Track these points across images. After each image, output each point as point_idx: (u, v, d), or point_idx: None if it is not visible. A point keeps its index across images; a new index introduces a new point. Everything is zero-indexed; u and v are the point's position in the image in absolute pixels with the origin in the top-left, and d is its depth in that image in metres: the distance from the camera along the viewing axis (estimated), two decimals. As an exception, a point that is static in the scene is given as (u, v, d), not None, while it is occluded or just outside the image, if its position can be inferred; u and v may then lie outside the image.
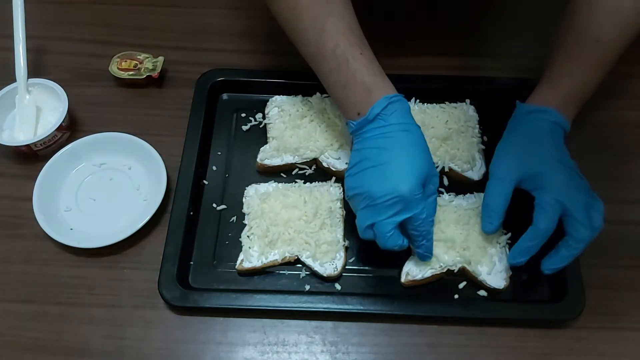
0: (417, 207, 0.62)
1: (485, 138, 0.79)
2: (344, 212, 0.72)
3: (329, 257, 0.69)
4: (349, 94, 0.64)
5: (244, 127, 0.81)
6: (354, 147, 0.66)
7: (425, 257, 0.67)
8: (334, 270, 0.68)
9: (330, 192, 0.73)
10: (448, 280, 0.70)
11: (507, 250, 0.70)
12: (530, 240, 0.65)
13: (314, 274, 0.70)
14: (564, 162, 0.67)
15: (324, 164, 0.76)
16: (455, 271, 0.69)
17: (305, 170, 0.77)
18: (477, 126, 0.80)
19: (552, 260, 0.66)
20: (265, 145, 0.78)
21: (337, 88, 0.65)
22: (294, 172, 0.77)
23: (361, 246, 0.72)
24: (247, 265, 0.69)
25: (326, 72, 0.66)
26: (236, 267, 0.69)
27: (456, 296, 0.68)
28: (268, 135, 0.79)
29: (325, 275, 0.68)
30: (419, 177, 0.62)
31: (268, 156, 0.77)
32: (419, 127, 0.64)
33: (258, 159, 0.77)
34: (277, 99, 0.81)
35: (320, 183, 0.75)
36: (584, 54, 0.68)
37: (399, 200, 0.61)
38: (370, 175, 0.62)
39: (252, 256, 0.69)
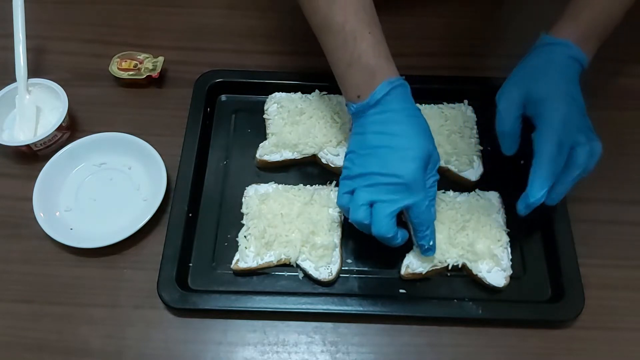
0: (419, 193, 0.61)
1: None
2: (342, 217, 0.72)
3: (324, 261, 0.69)
4: (352, 74, 0.63)
5: (243, 128, 0.81)
6: (353, 130, 0.65)
7: (429, 250, 0.66)
8: (329, 275, 0.68)
9: (330, 196, 0.73)
10: (448, 281, 0.70)
11: (509, 249, 0.70)
12: (539, 167, 0.63)
13: (309, 277, 0.69)
14: (569, 94, 0.65)
15: (323, 161, 0.76)
16: (458, 267, 0.69)
17: (306, 169, 0.78)
18: (475, 127, 0.79)
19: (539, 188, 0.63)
20: (264, 141, 0.78)
21: (340, 66, 0.64)
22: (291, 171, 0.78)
23: (361, 247, 0.72)
24: (242, 265, 0.69)
25: (331, 47, 0.65)
26: (232, 266, 0.69)
27: (455, 298, 0.68)
28: (267, 131, 0.79)
29: (320, 279, 0.68)
30: (422, 160, 0.61)
31: (267, 152, 0.77)
32: (420, 111, 0.64)
33: (257, 155, 0.77)
34: (277, 95, 0.81)
35: (320, 186, 0.75)
36: None
37: (401, 184, 0.60)
38: (373, 159, 0.62)
39: (247, 256, 0.69)
